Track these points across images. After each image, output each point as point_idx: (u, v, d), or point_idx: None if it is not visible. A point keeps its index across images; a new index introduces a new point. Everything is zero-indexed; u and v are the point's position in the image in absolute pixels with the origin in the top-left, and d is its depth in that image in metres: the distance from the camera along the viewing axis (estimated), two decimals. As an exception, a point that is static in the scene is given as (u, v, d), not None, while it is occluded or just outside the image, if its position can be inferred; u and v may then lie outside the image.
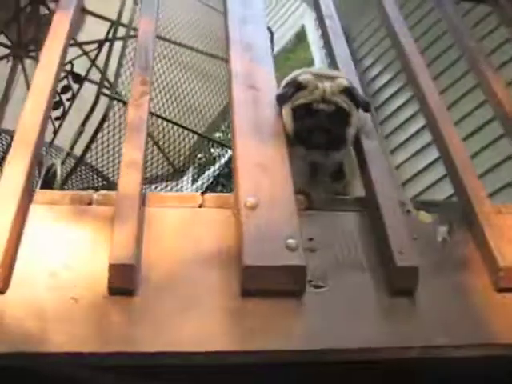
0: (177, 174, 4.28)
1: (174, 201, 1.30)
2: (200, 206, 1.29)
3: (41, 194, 1.28)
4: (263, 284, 1.13)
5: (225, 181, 3.55)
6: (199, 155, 4.80)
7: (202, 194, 1.32)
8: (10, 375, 1.19)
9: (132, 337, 1.06)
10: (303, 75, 1.57)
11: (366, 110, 1.56)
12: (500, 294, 1.26)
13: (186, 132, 3.86)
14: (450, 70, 3.38)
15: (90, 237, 1.21)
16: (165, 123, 3.72)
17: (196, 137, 4.08)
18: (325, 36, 1.79)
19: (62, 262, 1.16)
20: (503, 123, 1.75)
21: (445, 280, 1.28)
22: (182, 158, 4.21)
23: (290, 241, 1.16)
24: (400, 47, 1.81)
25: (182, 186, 4.77)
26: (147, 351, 1.05)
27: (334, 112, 1.51)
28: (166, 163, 4.09)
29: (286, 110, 1.51)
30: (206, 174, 4.56)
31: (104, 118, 2.53)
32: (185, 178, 4.80)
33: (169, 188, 4.33)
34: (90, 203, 1.27)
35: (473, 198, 1.39)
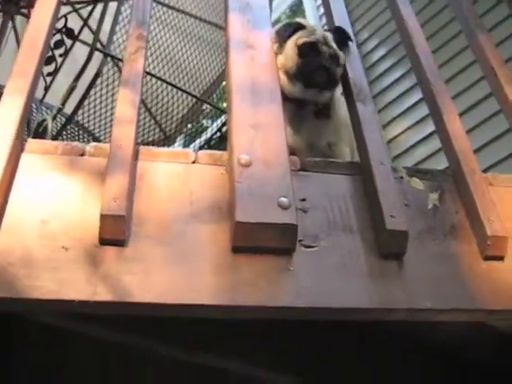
0: (167, 140, 4.26)
1: (167, 156, 1.29)
2: (193, 162, 1.28)
3: (33, 144, 1.26)
4: (254, 241, 1.14)
5: (216, 147, 3.55)
6: (189, 124, 4.76)
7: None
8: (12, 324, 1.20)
9: (122, 287, 1.06)
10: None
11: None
12: (486, 262, 1.28)
13: (177, 98, 3.82)
14: (448, 45, 3.37)
15: (82, 187, 1.20)
16: (155, 87, 3.69)
17: (188, 103, 4.05)
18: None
19: (53, 211, 1.15)
20: (499, 100, 1.75)
21: (434, 246, 1.29)
22: (172, 125, 4.18)
23: (283, 199, 1.16)
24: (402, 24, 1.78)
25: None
26: (137, 302, 1.05)
27: (332, 54, 1.69)
28: (157, 129, 4.06)
29: (291, 46, 1.68)
30: (198, 141, 4.54)
31: (97, 74, 2.49)
32: (175, 145, 4.78)
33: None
34: (82, 154, 1.26)
35: (464, 168, 1.40)
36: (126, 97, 1.32)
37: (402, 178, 1.38)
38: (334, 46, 1.70)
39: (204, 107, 4.72)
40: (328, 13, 1.72)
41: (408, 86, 3.55)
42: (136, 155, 1.25)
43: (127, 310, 1.08)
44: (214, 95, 5.17)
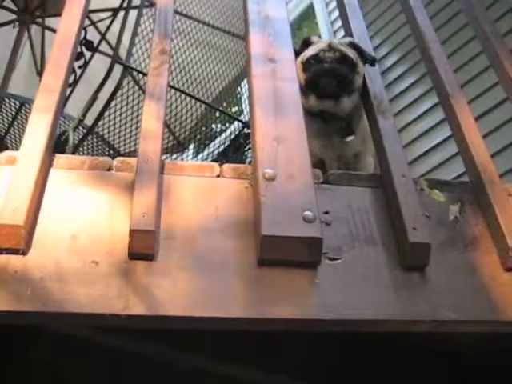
0: (180, 147, 4.29)
1: (193, 170, 1.31)
2: (218, 176, 1.31)
3: (60, 159, 1.29)
4: (280, 254, 1.15)
5: (231, 154, 3.57)
6: (202, 129, 4.79)
7: (220, 164, 1.33)
8: (26, 334, 1.22)
9: (153, 301, 1.08)
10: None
11: (373, 63, 1.66)
12: (508, 273, 1.29)
13: (189, 105, 3.85)
14: (463, 50, 3.37)
15: (110, 202, 1.22)
16: (168, 95, 3.71)
17: (200, 110, 4.08)
18: (342, 11, 1.78)
19: (82, 226, 1.18)
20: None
21: (455, 257, 1.30)
22: (186, 133, 4.21)
23: (307, 213, 1.18)
24: (416, 25, 1.80)
25: (182, 159, 4.79)
26: (168, 315, 1.07)
27: (340, 58, 1.67)
28: (169, 136, 4.08)
29: (297, 65, 1.65)
30: (211, 146, 4.56)
31: (118, 87, 2.52)
32: (189, 152, 4.82)
33: (172, 159, 4.35)
34: (109, 169, 1.29)
35: (484, 179, 1.41)
36: (151, 111, 1.35)
37: (422, 189, 1.39)
38: (344, 49, 1.69)
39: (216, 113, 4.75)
40: (346, 27, 1.74)
41: (421, 92, 3.57)
42: (162, 169, 1.28)
43: (158, 324, 1.10)
44: (225, 103, 5.21)
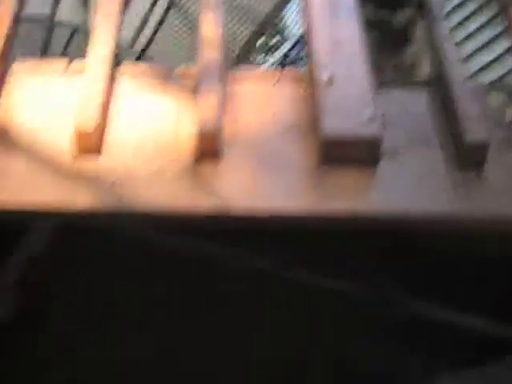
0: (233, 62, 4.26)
1: (252, 77, 1.34)
2: (277, 82, 1.33)
3: (126, 67, 1.34)
4: (340, 154, 1.19)
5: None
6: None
7: (279, 70, 1.36)
8: (101, 237, 1.30)
9: (219, 200, 1.14)
10: None
11: None
12: None
13: (232, 32, 3.80)
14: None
15: (175, 108, 1.27)
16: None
17: (243, 38, 4.02)
18: None
19: (149, 132, 1.23)
20: None
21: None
22: (237, 47, 4.15)
23: (366, 113, 1.21)
24: None
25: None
26: (233, 213, 1.13)
27: None
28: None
29: None
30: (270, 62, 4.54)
31: (169, 6, 2.52)
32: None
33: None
34: (171, 77, 1.33)
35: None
36: (208, 20, 1.37)
37: (480, 92, 1.39)
38: None
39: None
40: None
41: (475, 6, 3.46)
42: (223, 76, 1.31)
43: (224, 223, 1.16)
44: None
